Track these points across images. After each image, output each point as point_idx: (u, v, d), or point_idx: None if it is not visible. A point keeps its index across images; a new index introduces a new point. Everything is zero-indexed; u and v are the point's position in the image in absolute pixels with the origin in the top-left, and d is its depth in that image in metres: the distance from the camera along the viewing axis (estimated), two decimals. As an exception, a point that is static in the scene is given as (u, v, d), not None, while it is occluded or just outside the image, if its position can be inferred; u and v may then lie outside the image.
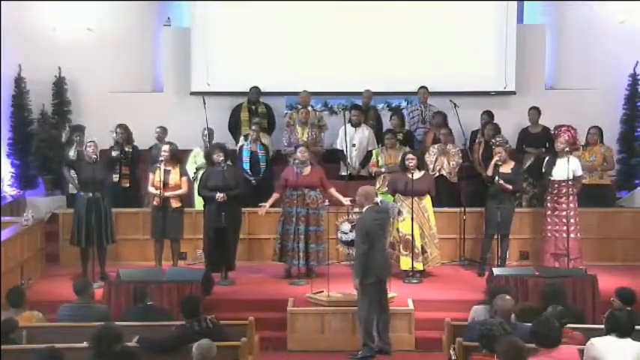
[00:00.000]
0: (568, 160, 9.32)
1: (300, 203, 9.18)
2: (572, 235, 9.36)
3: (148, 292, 7.23)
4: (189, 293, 7.46)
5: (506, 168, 9.41)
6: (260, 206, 9.38)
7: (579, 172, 9.50)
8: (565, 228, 9.35)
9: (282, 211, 9.35)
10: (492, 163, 9.41)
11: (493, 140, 9.75)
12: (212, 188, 9.09)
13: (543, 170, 9.61)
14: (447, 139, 10.36)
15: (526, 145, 10.87)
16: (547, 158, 9.64)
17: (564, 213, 9.38)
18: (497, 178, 9.31)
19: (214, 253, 9.12)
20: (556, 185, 9.44)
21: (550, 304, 6.39)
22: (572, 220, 9.36)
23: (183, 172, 9.45)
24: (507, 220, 9.44)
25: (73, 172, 9.51)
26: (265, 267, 9.69)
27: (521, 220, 10.08)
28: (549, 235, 9.46)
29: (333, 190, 9.35)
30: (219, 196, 8.98)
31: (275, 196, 9.39)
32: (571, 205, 9.41)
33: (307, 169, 9.28)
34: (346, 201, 9.16)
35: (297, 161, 9.33)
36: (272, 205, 9.41)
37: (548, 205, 9.51)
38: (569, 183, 9.38)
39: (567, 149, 9.41)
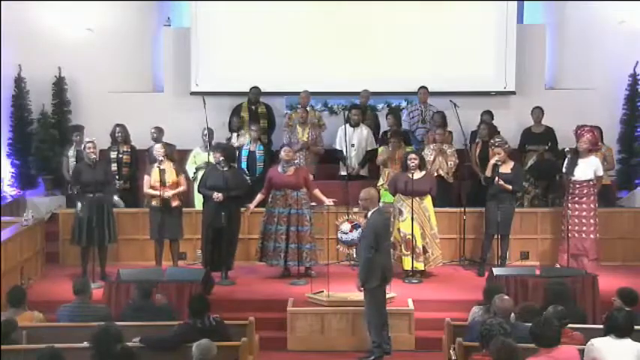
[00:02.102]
0: (590, 161, 9.34)
1: (282, 203, 9.18)
2: (591, 236, 9.39)
3: (153, 289, 7.28)
4: (198, 292, 7.46)
5: (506, 168, 9.41)
6: (245, 208, 9.37)
7: (600, 172, 9.51)
8: (585, 229, 9.36)
9: (265, 211, 9.34)
10: (491, 163, 9.40)
11: (492, 141, 9.75)
12: (211, 187, 9.11)
13: (564, 170, 9.57)
14: (443, 139, 10.34)
15: (529, 144, 10.86)
16: (568, 158, 9.59)
17: (584, 213, 9.38)
18: (497, 178, 9.31)
19: (212, 253, 9.13)
20: (577, 186, 9.40)
21: (554, 304, 6.38)
22: (592, 221, 9.39)
23: (180, 170, 9.46)
24: (507, 220, 9.43)
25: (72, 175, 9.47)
26: (265, 267, 9.67)
27: (521, 220, 10.08)
28: (569, 235, 9.32)
29: (317, 191, 9.31)
30: (217, 195, 8.99)
31: (259, 196, 9.35)
32: (592, 205, 9.41)
33: (291, 169, 9.25)
34: (329, 201, 9.18)
35: (281, 161, 9.32)
36: (262, 205, 9.42)
37: (569, 205, 9.44)
38: (591, 183, 9.39)
39: (590, 149, 9.41)
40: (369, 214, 7.66)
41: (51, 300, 8.01)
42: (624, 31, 11.92)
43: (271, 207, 9.25)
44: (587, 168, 9.36)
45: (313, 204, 9.28)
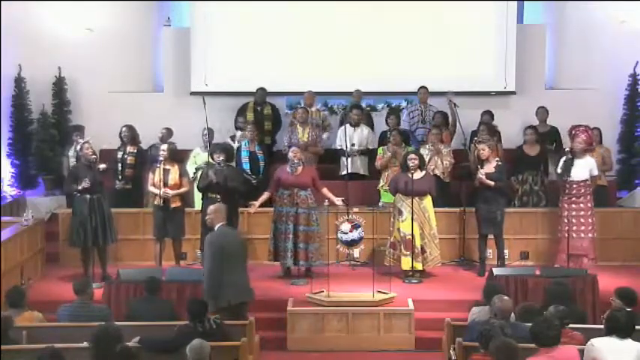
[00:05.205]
0: (586, 161, 9.35)
1: (290, 203, 9.19)
2: (589, 235, 9.38)
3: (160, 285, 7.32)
4: (196, 296, 7.44)
5: (490, 167, 9.40)
6: (250, 205, 9.39)
7: (595, 172, 9.52)
8: (583, 228, 9.36)
9: (274, 211, 9.36)
10: (481, 173, 9.35)
11: (476, 138, 9.73)
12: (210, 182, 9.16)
13: (559, 171, 9.54)
14: (439, 138, 10.34)
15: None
16: (563, 159, 9.56)
17: (582, 213, 9.38)
18: (478, 175, 9.30)
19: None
20: (574, 186, 9.39)
21: (555, 304, 6.38)
22: (590, 220, 9.39)
23: (182, 172, 9.48)
24: (498, 219, 9.40)
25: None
26: (263, 267, 9.66)
27: (521, 220, 10.09)
28: (566, 235, 9.30)
29: (325, 190, 9.33)
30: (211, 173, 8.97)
31: (265, 194, 9.40)
32: (588, 204, 9.41)
33: (299, 169, 9.27)
34: (338, 201, 9.21)
35: (289, 161, 9.33)
36: (264, 204, 9.43)
37: (565, 205, 9.45)
38: (587, 183, 9.40)
39: (585, 149, 9.42)
40: (216, 228, 7.23)
41: (51, 300, 8.00)
42: (624, 31, 11.92)
43: (279, 206, 9.26)
44: (584, 168, 9.35)
45: (326, 203, 9.26)
